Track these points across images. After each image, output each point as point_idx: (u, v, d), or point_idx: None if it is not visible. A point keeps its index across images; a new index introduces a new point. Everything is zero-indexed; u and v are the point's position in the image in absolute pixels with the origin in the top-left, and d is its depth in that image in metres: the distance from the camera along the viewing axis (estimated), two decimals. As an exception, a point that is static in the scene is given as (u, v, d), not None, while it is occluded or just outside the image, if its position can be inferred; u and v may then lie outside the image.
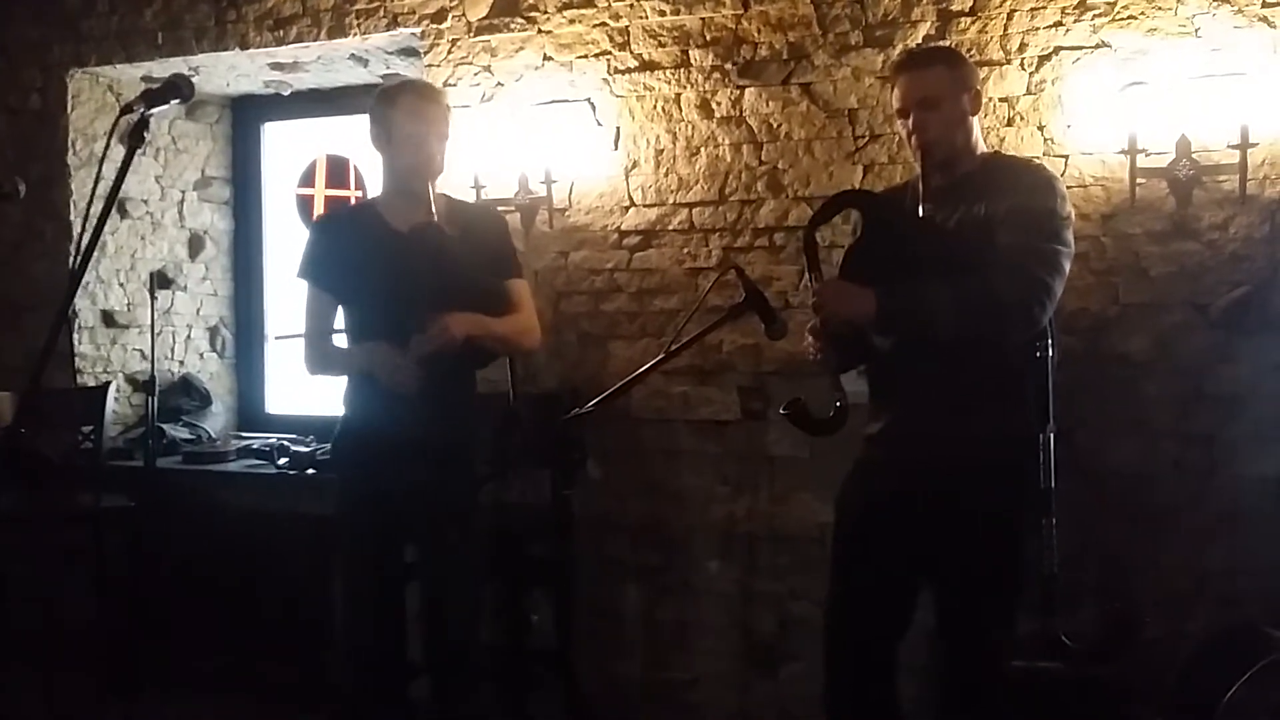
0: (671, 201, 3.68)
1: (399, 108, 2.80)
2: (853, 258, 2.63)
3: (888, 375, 2.60)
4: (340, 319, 2.93)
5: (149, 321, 4.48)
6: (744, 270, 2.54)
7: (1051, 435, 2.49)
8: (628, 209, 3.74)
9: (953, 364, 2.47)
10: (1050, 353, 2.54)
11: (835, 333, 2.55)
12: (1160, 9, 3.11)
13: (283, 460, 4.26)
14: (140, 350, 4.76)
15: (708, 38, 3.61)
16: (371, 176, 4.70)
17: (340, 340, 2.94)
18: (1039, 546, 2.55)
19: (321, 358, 2.92)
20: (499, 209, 3.78)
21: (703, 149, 3.63)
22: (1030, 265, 2.46)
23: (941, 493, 2.47)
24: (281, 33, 4.21)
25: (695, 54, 3.63)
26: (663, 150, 3.68)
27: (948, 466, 2.47)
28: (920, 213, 2.53)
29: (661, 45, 3.67)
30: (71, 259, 4.51)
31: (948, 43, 3.31)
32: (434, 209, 2.79)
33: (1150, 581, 3.15)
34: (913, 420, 2.54)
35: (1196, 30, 3.08)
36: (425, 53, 4.00)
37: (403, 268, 2.76)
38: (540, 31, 3.82)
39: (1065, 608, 3.16)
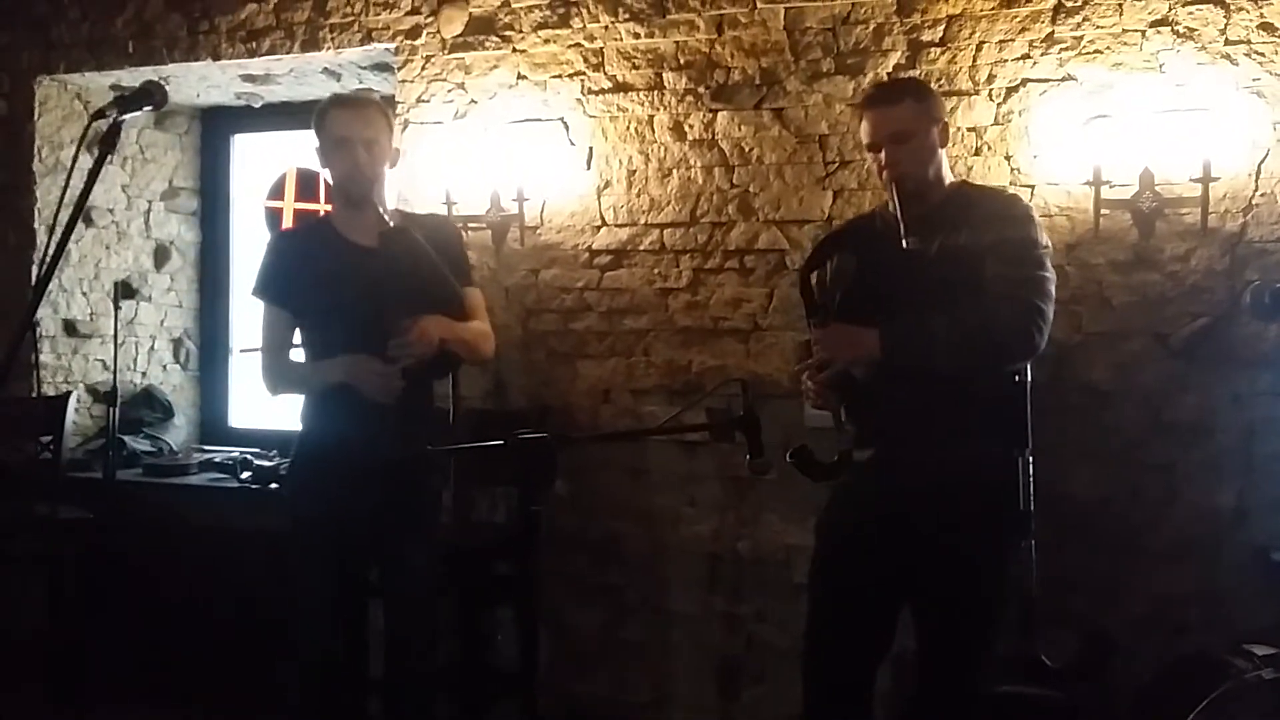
0: (643, 222, 3.69)
1: (327, 119, 2.82)
2: (846, 297, 2.63)
3: (870, 403, 2.59)
4: (297, 337, 2.90)
5: (112, 332, 4.43)
6: (749, 388, 2.49)
7: (1030, 458, 2.51)
8: (599, 228, 3.75)
9: (934, 391, 2.49)
10: (1028, 378, 2.57)
11: (837, 378, 2.54)
12: (1125, 44, 3.17)
13: (245, 474, 4.22)
14: (102, 360, 4.70)
15: (681, 61, 3.64)
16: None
17: (298, 358, 2.90)
18: (1019, 569, 2.57)
19: (283, 376, 2.87)
20: (471, 226, 3.80)
21: (675, 171, 3.66)
22: (1026, 294, 2.50)
23: (927, 517, 2.48)
24: (254, 45, 4.20)
25: (669, 77, 3.65)
26: (635, 171, 3.70)
27: (933, 492, 2.48)
28: (905, 245, 2.52)
29: (635, 67, 3.69)
30: (35, 268, 4.46)
31: (917, 73, 3.36)
32: (386, 217, 2.79)
33: (1108, 608, 3.18)
34: (897, 447, 2.54)
35: (1161, 66, 3.14)
36: (399, 68, 4.00)
37: (367, 279, 2.75)
38: (515, 50, 3.83)
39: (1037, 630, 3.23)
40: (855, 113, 2.72)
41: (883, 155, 2.58)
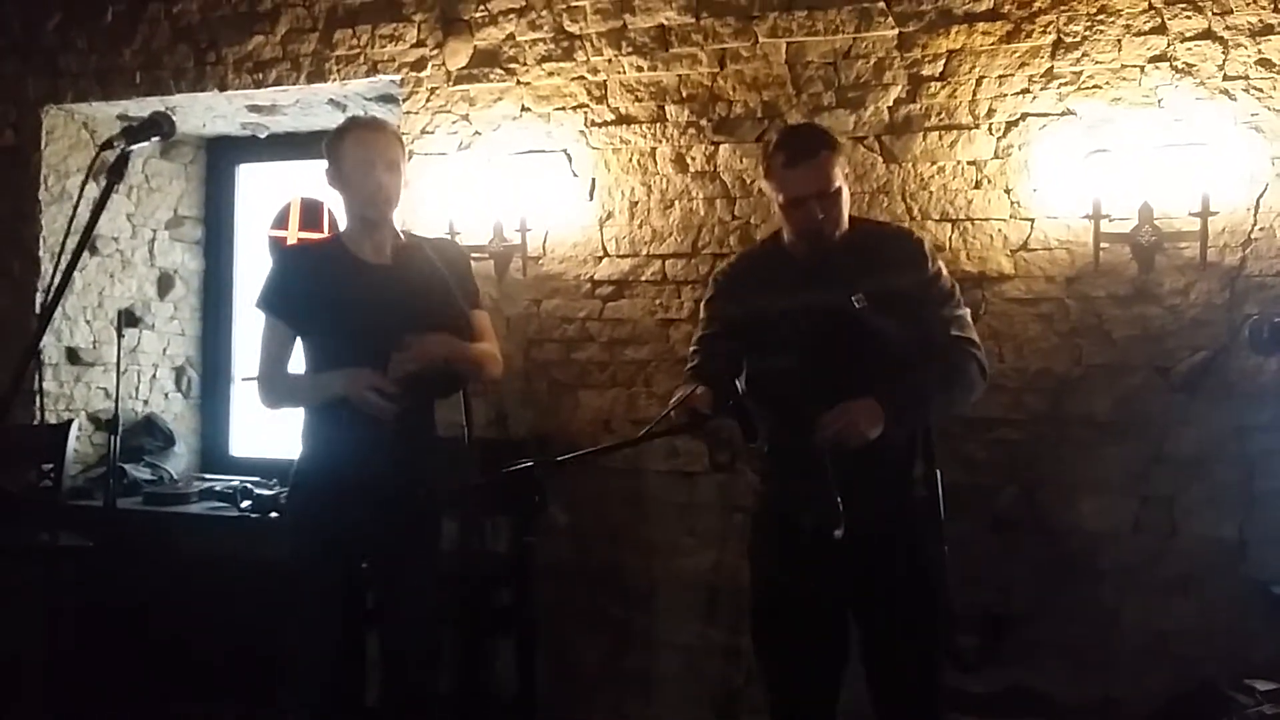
0: (645, 253, 3.71)
1: (346, 141, 2.82)
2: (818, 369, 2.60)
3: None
4: (298, 353, 2.89)
5: (114, 360, 4.45)
6: (738, 380, 2.48)
7: (939, 472, 2.63)
8: (601, 259, 3.77)
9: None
10: None
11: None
12: (1124, 79, 3.20)
13: (245, 503, 4.20)
14: (104, 389, 4.71)
15: (684, 94, 3.67)
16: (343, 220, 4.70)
17: (296, 372, 2.89)
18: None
19: (281, 389, 2.86)
20: (474, 256, 3.81)
21: (677, 202, 3.68)
22: (968, 333, 2.63)
23: (870, 535, 2.49)
24: (261, 76, 4.24)
25: (671, 109, 3.68)
26: (637, 202, 3.72)
27: (873, 515, 2.49)
28: (855, 303, 2.52)
29: (638, 100, 3.72)
30: (39, 296, 4.47)
31: (917, 106, 3.39)
32: (401, 237, 2.80)
33: (1111, 640, 3.18)
34: (843, 482, 2.49)
35: (1159, 101, 3.16)
36: (404, 100, 4.03)
37: (376, 297, 2.76)
38: (519, 83, 3.87)
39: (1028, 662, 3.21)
40: (762, 162, 2.68)
41: (808, 210, 2.54)
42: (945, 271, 2.67)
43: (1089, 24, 3.23)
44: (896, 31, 3.42)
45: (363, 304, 2.75)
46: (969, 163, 3.35)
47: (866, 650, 2.62)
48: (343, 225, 2.98)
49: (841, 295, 2.53)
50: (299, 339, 2.86)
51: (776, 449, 2.64)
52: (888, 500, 2.54)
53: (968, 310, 2.69)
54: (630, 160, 3.73)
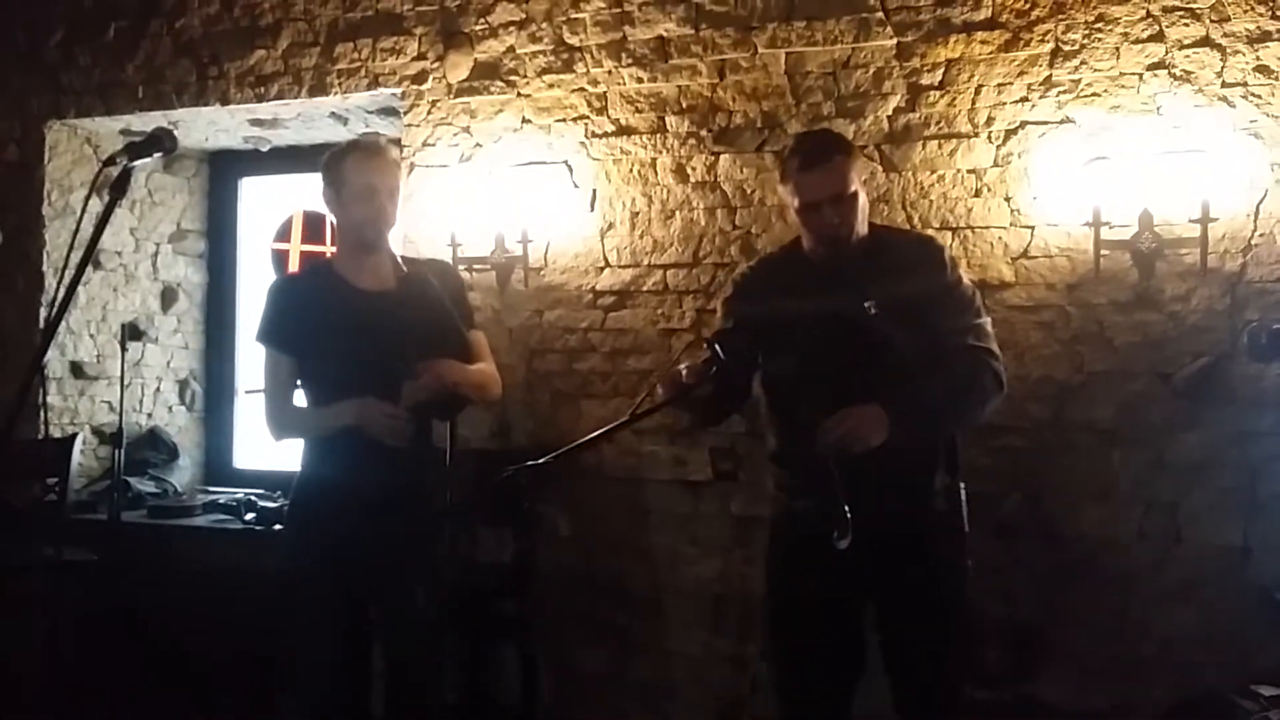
0: (646, 263, 3.72)
1: (347, 165, 2.81)
2: (829, 373, 2.59)
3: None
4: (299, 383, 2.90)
5: (118, 373, 4.46)
6: (725, 344, 2.47)
7: (962, 485, 2.62)
8: (603, 269, 3.78)
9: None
10: None
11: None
12: (1123, 87, 3.21)
13: (249, 516, 4.22)
14: (109, 402, 4.72)
15: (684, 105, 3.68)
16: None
17: (300, 403, 2.90)
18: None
19: (289, 421, 2.87)
20: (476, 268, 3.83)
21: (678, 212, 3.69)
22: (986, 343, 2.61)
23: (888, 545, 2.50)
24: (263, 90, 4.26)
25: (671, 120, 3.69)
26: (638, 213, 3.73)
27: (895, 521, 2.50)
28: (869, 309, 2.53)
29: (638, 111, 3.74)
30: (43, 310, 4.49)
31: (917, 115, 3.40)
32: (401, 264, 2.81)
33: (1115, 647, 3.17)
34: (858, 490, 2.48)
35: (1158, 108, 3.17)
36: (405, 113, 4.05)
37: (379, 325, 2.77)
38: (519, 95, 3.88)
39: (1035, 668, 3.21)
40: (778, 169, 2.68)
41: (823, 214, 2.55)
42: (966, 280, 2.66)
43: (1087, 32, 3.24)
44: (895, 41, 3.43)
45: (366, 332, 2.75)
46: (969, 171, 3.36)
47: (886, 659, 2.62)
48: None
49: (855, 301, 2.53)
50: (301, 368, 2.86)
51: (787, 455, 2.65)
52: (903, 509, 2.53)
53: (988, 319, 2.66)
54: (631, 171, 3.74)
